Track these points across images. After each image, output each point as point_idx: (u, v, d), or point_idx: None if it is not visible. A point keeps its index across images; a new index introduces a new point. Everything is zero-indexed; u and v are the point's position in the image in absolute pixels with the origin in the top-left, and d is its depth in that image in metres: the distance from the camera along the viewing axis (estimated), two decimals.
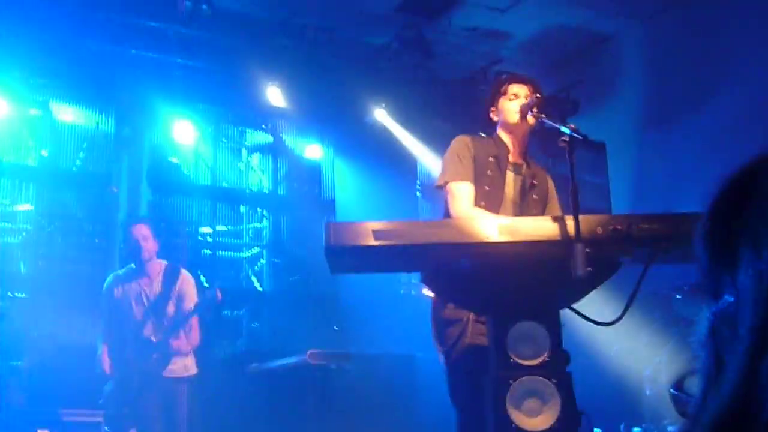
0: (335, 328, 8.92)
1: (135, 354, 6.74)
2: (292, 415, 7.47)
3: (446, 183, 4.64)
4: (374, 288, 9.42)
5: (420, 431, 8.25)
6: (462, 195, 4.56)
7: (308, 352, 7.22)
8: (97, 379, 6.98)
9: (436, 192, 4.84)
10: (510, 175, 4.69)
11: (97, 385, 6.99)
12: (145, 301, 6.89)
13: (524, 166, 4.73)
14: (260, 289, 10.15)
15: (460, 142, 4.75)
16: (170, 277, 6.94)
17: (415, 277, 10.46)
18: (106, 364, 6.78)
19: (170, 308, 6.86)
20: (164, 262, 7.05)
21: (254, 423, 7.66)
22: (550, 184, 4.82)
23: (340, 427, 7.52)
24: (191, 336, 6.84)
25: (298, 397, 7.51)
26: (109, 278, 7.18)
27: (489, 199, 4.58)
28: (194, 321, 6.86)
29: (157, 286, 6.93)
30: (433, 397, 8.37)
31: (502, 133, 4.79)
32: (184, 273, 7.07)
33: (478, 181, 4.59)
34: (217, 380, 7.45)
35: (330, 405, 7.55)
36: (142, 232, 6.93)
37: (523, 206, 4.62)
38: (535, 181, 4.69)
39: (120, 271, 7.23)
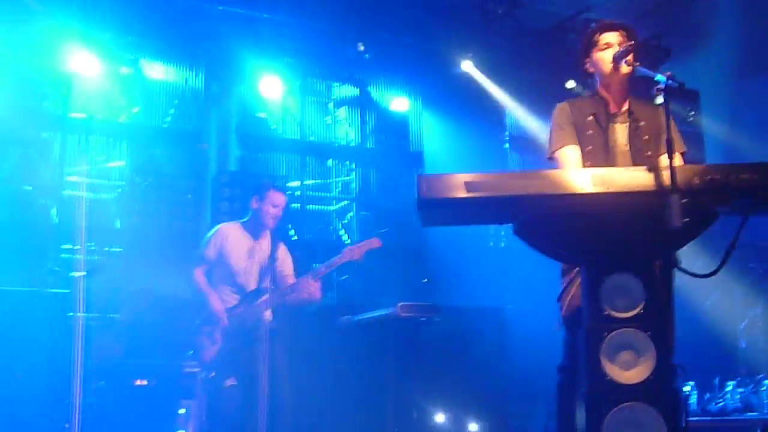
0: (424, 280, 8.93)
1: (247, 311, 6.84)
2: (382, 368, 7.53)
3: (552, 153, 4.66)
4: (463, 240, 9.42)
5: (510, 383, 8.27)
6: (568, 160, 4.56)
7: (398, 305, 7.24)
8: (188, 330, 7.10)
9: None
10: (614, 128, 4.60)
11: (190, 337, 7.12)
12: (258, 258, 6.98)
13: (627, 114, 4.63)
14: (349, 241, 10.20)
15: (558, 110, 4.73)
16: (273, 245, 6.99)
17: (503, 229, 10.48)
18: (224, 318, 6.88)
19: (275, 271, 6.94)
20: (269, 235, 7.08)
21: (345, 375, 7.75)
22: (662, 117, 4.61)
23: (431, 379, 7.57)
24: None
25: (388, 349, 7.56)
26: (217, 228, 7.22)
27: (594, 158, 4.52)
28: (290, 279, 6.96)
29: (265, 248, 7.02)
30: (522, 348, 8.40)
31: (600, 86, 4.70)
32: (283, 245, 7.15)
33: (582, 143, 4.56)
34: (308, 333, 7.53)
35: (420, 357, 7.60)
36: (280, 200, 7.00)
37: (633, 153, 4.53)
38: (641, 123, 4.57)
39: (228, 224, 7.26)
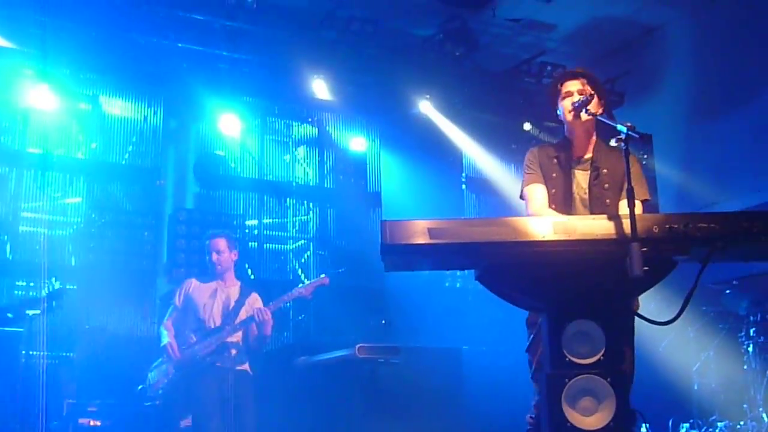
0: (383, 321, 8.93)
1: (201, 345, 6.87)
2: (339, 409, 7.50)
3: (521, 193, 4.82)
4: (420, 281, 9.44)
5: (468, 424, 8.26)
6: (534, 196, 4.71)
7: (357, 346, 7.26)
8: (144, 369, 7.09)
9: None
10: (576, 174, 4.70)
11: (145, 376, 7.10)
12: (220, 297, 7.06)
13: (590, 161, 4.71)
14: (306, 281, 10.17)
15: (529, 155, 4.90)
16: (243, 296, 7.18)
17: (460, 271, 10.51)
18: (175, 350, 6.89)
19: (241, 314, 7.04)
20: (239, 283, 7.29)
21: (302, 415, 7.70)
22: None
23: (389, 420, 7.55)
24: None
25: (346, 390, 7.54)
26: (184, 281, 7.41)
27: (558, 201, 4.65)
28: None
29: (233, 293, 7.12)
30: (480, 389, 8.41)
31: (566, 131, 4.82)
32: (255, 295, 7.28)
33: (548, 186, 4.69)
34: (264, 373, 7.50)
35: (378, 398, 7.58)
36: (219, 246, 7.19)
37: (592, 200, 4.62)
38: (604, 171, 4.66)
39: (193, 279, 7.43)
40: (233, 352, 6.82)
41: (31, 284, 5.91)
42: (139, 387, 7.14)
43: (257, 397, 7.01)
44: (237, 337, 6.93)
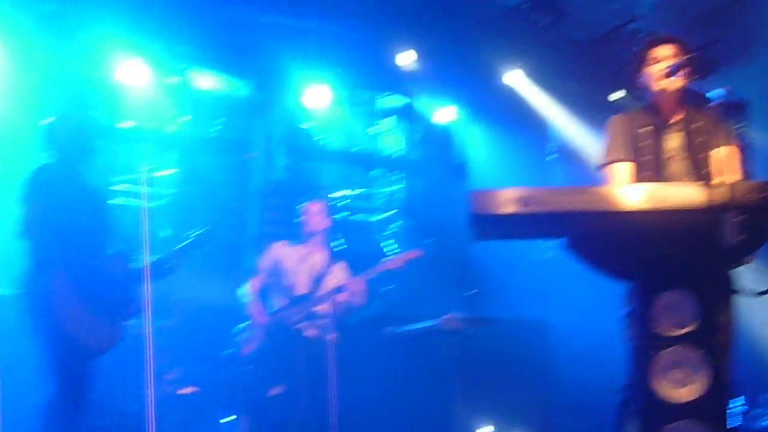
0: (471, 291, 8.90)
1: (289, 312, 6.93)
2: (428, 379, 7.53)
3: (604, 165, 4.72)
4: (508, 252, 9.37)
5: (554, 396, 8.22)
6: (617, 176, 4.61)
7: (445, 317, 7.25)
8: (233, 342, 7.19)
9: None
10: (669, 138, 4.60)
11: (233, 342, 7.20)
12: (308, 263, 7.11)
13: (682, 124, 4.62)
14: (397, 253, 10.20)
15: (612, 123, 4.78)
16: (331, 263, 7.28)
17: (548, 242, 10.42)
18: (262, 314, 6.96)
19: (329, 282, 7.12)
20: (327, 250, 7.38)
21: (389, 386, 7.75)
22: (721, 132, 4.54)
23: (475, 391, 7.55)
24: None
25: (434, 360, 7.55)
26: (271, 245, 7.50)
27: (649, 168, 4.54)
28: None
29: (321, 260, 7.14)
30: (567, 361, 8.36)
31: (653, 99, 4.71)
32: (342, 264, 7.36)
33: (636, 154, 4.57)
34: (352, 344, 7.54)
35: (465, 369, 7.57)
36: (312, 208, 7.33)
37: (688, 166, 4.53)
38: (698, 138, 4.57)
39: (282, 241, 7.54)
40: (322, 321, 6.88)
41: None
42: (227, 351, 7.25)
43: (344, 368, 7.05)
44: (325, 305, 6.98)
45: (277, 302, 7.05)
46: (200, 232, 6.23)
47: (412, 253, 7.25)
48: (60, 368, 5.35)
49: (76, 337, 5.29)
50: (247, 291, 7.16)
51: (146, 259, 5.53)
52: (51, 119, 5.83)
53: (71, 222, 5.40)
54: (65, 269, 5.25)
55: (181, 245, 6.06)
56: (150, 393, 5.23)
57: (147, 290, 5.35)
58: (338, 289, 6.95)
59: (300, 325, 6.87)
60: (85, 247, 5.44)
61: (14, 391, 6.08)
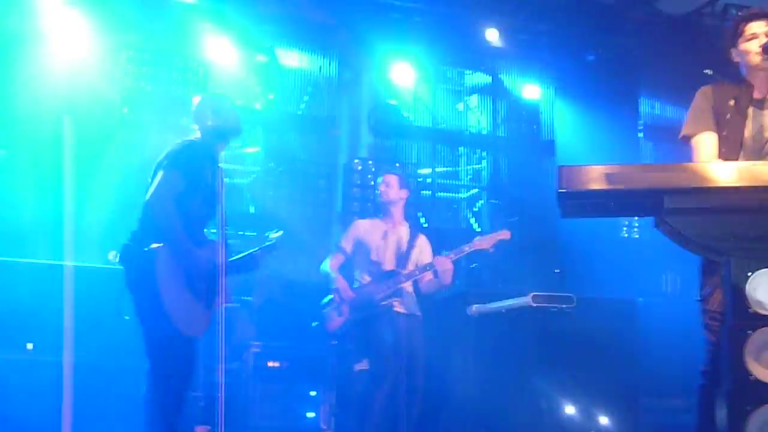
0: (556, 270, 8.83)
1: (377, 287, 6.95)
2: (512, 357, 7.48)
3: (687, 137, 4.58)
4: (595, 231, 9.27)
5: (642, 376, 8.11)
6: (702, 147, 4.48)
7: (530, 294, 7.20)
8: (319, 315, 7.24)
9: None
10: (755, 114, 4.48)
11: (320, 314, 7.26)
12: (392, 238, 7.13)
13: None
14: (479, 230, 10.18)
15: (700, 93, 4.63)
16: (413, 237, 7.19)
17: (637, 220, 10.28)
18: (348, 289, 7.02)
19: (414, 256, 7.09)
20: (408, 224, 7.28)
21: (475, 363, 7.72)
22: None
23: (561, 370, 7.49)
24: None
25: (519, 339, 7.51)
26: (354, 222, 7.52)
27: (729, 144, 4.42)
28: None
29: (403, 234, 7.16)
30: (654, 342, 8.23)
31: (746, 75, 4.58)
32: (424, 238, 7.29)
33: (719, 128, 4.46)
34: (438, 320, 7.55)
35: (551, 348, 7.52)
36: (389, 180, 7.20)
37: None
38: None
39: (363, 220, 7.58)
40: (409, 297, 6.90)
41: (212, 231, 6.07)
42: (314, 323, 7.30)
43: (430, 344, 7.07)
44: (410, 283, 6.99)
45: (363, 278, 7.08)
46: (279, 234, 6.22)
47: (502, 234, 7.05)
48: (168, 343, 5.35)
49: (178, 318, 5.30)
50: (330, 267, 7.17)
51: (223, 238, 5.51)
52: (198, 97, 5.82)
53: (198, 201, 5.41)
54: (172, 248, 5.24)
55: (260, 247, 6.03)
56: (221, 368, 5.27)
57: (223, 266, 5.36)
58: (426, 267, 6.93)
59: (386, 302, 6.88)
60: (196, 228, 5.45)
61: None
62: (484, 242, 6.98)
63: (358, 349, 7.08)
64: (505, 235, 7.05)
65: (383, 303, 6.87)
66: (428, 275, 6.96)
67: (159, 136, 7.95)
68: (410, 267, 7.02)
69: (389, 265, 7.03)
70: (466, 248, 6.98)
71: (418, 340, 6.90)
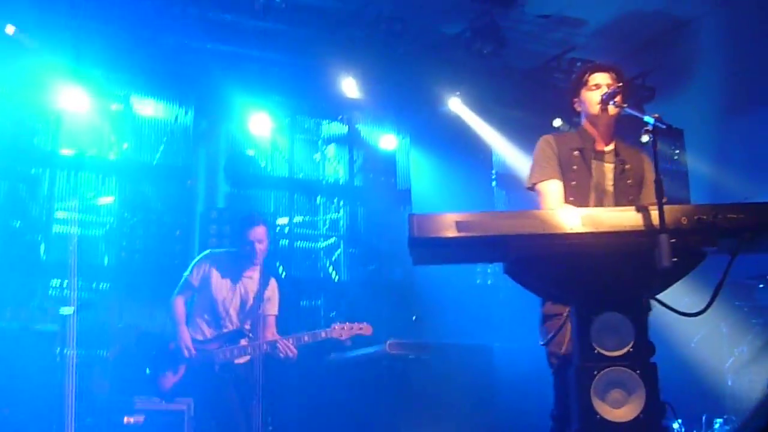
0: (413, 317, 8.94)
1: (218, 349, 6.84)
2: (370, 405, 7.51)
3: (534, 185, 4.73)
4: (450, 278, 9.43)
5: (498, 421, 8.24)
6: (549, 194, 4.64)
7: (387, 342, 7.26)
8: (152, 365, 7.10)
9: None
10: (600, 166, 4.68)
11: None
12: (239, 291, 7.01)
13: (613, 153, 4.71)
14: (337, 279, 10.22)
15: (543, 142, 4.80)
16: (264, 280, 7.06)
17: (491, 267, 10.50)
18: (191, 349, 6.86)
19: (261, 308, 6.98)
20: (260, 268, 7.10)
21: (333, 412, 7.72)
22: (647, 165, 4.73)
23: (419, 417, 7.55)
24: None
25: (377, 386, 7.55)
26: (205, 253, 7.33)
27: (577, 193, 4.60)
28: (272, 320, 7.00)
29: (254, 285, 7.04)
30: (510, 387, 8.39)
31: (586, 123, 4.78)
32: (273, 281, 7.22)
33: (565, 177, 4.63)
34: (295, 369, 7.52)
35: (408, 394, 7.58)
36: (259, 234, 7.01)
37: (617, 194, 4.61)
38: (627, 166, 4.66)
39: (217, 251, 7.38)
40: (246, 358, 6.81)
41: (65, 284, 5.93)
42: (147, 371, 7.11)
43: (289, 392, 7.02)
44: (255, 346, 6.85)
45: (201, 326, 6.94)
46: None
47: (364, 329, 6.92)
48: None
49: None
50: (177, 314, 7.00)
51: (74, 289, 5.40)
52: None
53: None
54: None
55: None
56: (71, 424, 5.15)
57: (73, 321, 5.24)
58: (272, 345, 6.77)
59: (227, 362, 6.76)
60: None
61: None
62: (343, 332, 6.88)
63: (205, 405, 6.92)
64: (366, 330, 6.93)
65: (226, 359, 6.78)
66: (270, 349, 6.81)
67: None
68: (249, 325, 6.92)
69: (232, 319, 6.91)
70: (322, 334, 6.90)
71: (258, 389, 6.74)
